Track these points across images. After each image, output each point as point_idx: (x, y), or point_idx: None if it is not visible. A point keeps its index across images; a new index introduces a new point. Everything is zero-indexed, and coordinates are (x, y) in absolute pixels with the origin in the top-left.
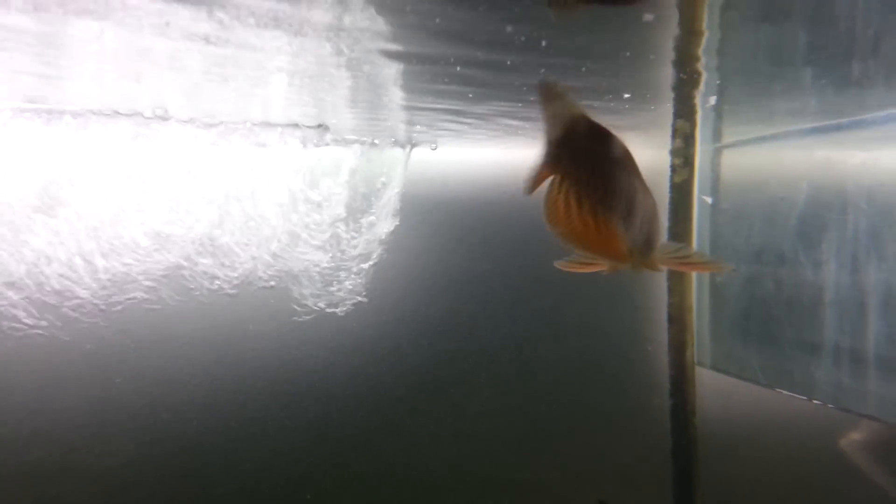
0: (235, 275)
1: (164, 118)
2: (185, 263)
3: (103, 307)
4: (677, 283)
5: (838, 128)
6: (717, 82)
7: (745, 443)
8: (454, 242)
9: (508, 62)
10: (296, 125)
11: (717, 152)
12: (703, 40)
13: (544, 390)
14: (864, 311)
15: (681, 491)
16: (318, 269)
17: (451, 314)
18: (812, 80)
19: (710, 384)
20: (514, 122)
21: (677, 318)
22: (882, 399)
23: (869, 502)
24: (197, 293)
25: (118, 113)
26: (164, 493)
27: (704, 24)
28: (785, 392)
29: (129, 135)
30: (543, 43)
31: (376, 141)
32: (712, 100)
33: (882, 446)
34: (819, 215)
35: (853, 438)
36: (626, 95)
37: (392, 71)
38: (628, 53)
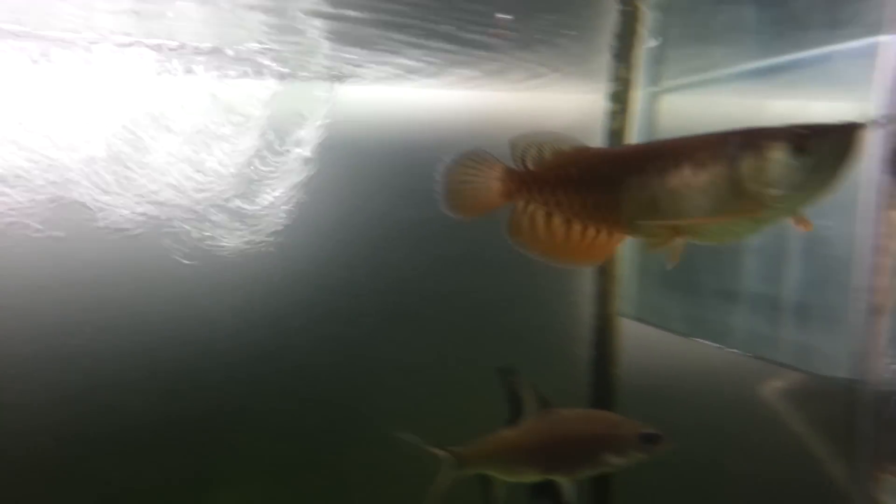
0: (128, 213)
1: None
2: (75, 196)
3: None
4: None
5: (772, 69)
6: (658, 22)
7: (664, 393)
8: (380, 187)
9: None
10: (204, 49)
11: (655, 97)
12: None
13: (465, 339)
14: (783, 258)
15: None
16: (226, 209)
17: (372, 261)
18: (755, 17)
19: (632, 335)
20: (450, 55)
21: (604, 269)
22: (796, 346)
23: (782, 448)
24: (89, 230)
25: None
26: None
27: None
28: (702, 341)
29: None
30: None
31: (298, 73)
32: (653, 41)
33: (800, 395)
34: None
35: (775, 386)
36: (563, 31)
37: None
38: None
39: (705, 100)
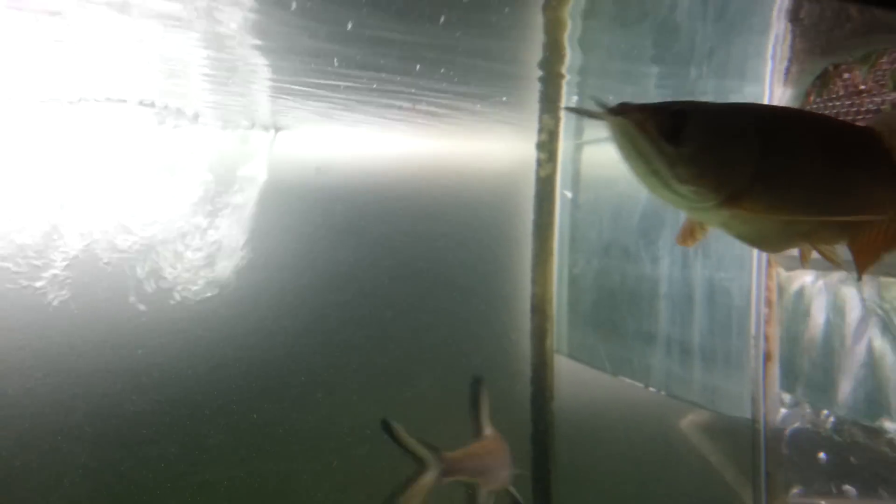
0: (69, 262)
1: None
2: (15, 252)
3: None
4: (540, 274)
5: None
6: (578, 82)
7: (594, 428)
8: (322, 230)
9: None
10: (151, 104)
11: (578, 148)
12: (566, 45)
13: (411, 378)
14: (691, 304)
15: (539, 473)
16: (174, 257)
17: (316, 302)
18: (656, 85)
19: (566, 372)
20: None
21: (539, 308)
22: (703, 387)
23: (696, 479)
24: (28, 285)
25: None
26: None
27: (567, 32)
28: (627, 380)
29: None
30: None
31: (240, 123)
32: (574, 99)
33: (711, 431)
34: (657, 213)
35: (689, 422)
36: (497, 88)
37: (259, 55)
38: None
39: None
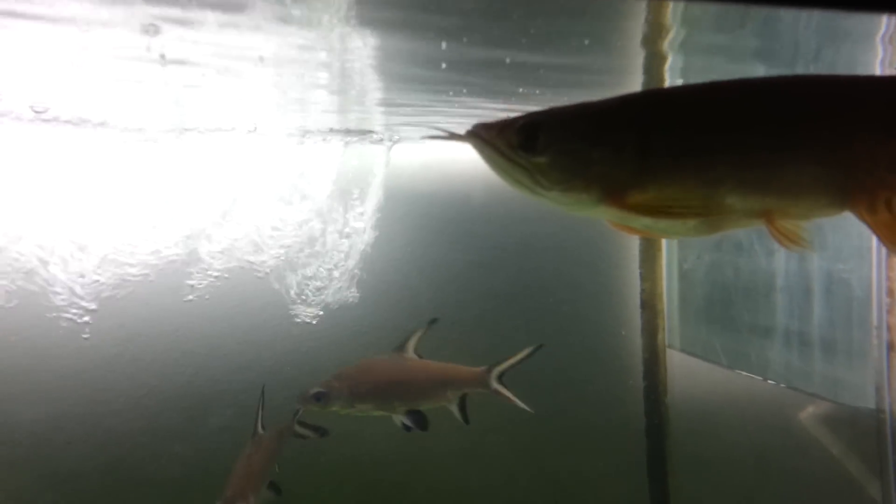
0: (206, 283)
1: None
2: (157, 270)
3: (94, 300)
4: (649, 269)
5: None
6: (681, 67)
7: (711, 421)
8: (438, 235)
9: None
10: (266, 122)
11: None
12: (670, 33)
13: (523, 374)
14: (809, 296)
15: (654, 467)
16: (308, 262)
17: (435, 304)
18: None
19: (679, 366)
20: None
21: (649, 304)
22: (824, 378)
23: (819, 471)
24: (173, 295)
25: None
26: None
27: (669, 18)
28: (744, 373)
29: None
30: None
31: (355, 137)
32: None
33: (833, 423)
34: None
35: (809, 414)
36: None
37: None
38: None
39: None
